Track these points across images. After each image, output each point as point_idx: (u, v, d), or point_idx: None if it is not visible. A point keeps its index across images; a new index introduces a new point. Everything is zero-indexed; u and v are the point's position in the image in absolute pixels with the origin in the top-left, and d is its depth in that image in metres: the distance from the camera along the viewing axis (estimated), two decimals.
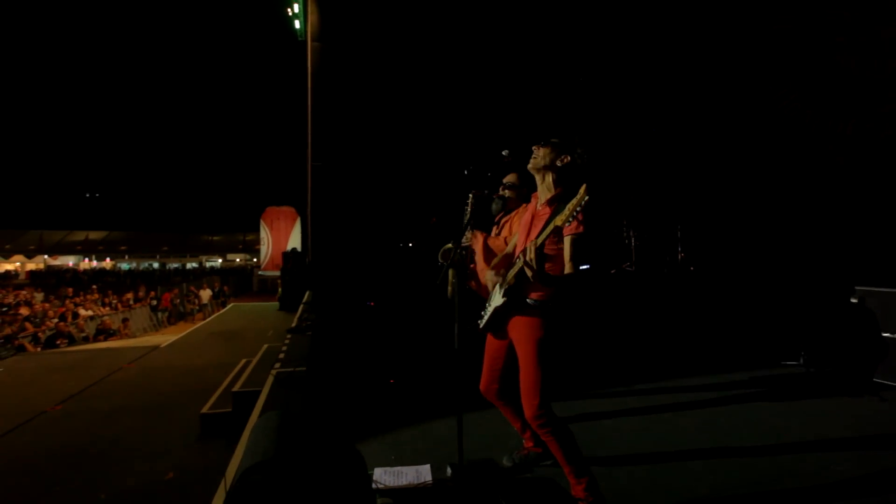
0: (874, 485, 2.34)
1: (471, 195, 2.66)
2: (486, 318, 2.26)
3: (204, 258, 49.19)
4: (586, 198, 1.73)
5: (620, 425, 3.05)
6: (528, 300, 2.09)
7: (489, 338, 2.34)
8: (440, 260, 2.85)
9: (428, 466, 2.42)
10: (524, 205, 2.88)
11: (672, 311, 5.85)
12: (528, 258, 1.93)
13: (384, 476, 2.35)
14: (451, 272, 2.59)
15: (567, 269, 2.00)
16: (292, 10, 11.70)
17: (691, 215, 6.40)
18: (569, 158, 2.11)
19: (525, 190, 2.84)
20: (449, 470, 2.31)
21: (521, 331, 2.12)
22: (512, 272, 2.11)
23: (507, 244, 2.63)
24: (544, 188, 2.16)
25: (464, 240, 2.70)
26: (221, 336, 7.86)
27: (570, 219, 1.77)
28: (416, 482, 2.28)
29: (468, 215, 2.63)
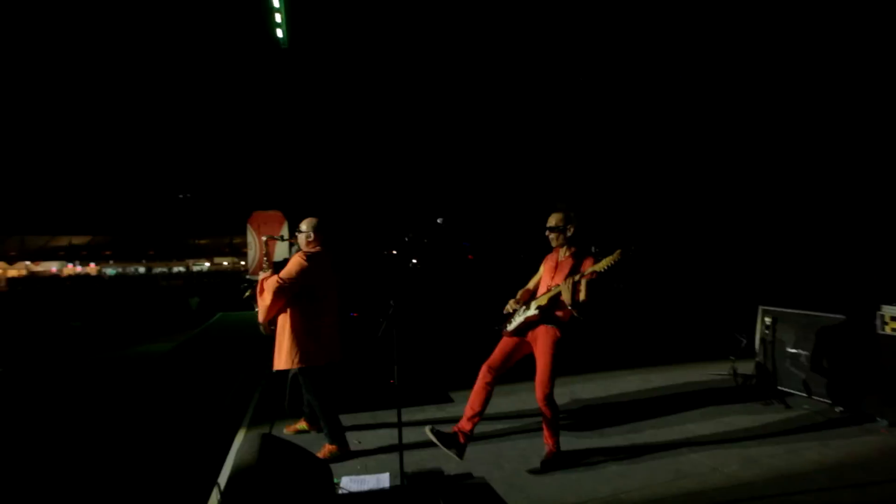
0: (754, 485, 2.87)
1: (265, 238, 3.51)
2: (514, 325, 3.13)
3: (191, 262, 48.92)
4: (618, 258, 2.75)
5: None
6: (555, 316, 3.00)
7: (505, 338, 3.20)
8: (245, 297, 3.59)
9: (387, 474, 2.91)
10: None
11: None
12: (565, 287, 2.87)
13: (350, 483, 2.83)
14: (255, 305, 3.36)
15: (582, 297, 2.90)
16: (275, 19, 12.04)
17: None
18: (573, 228, 3.11)
19: (311, 235, 3.40)
20: (400, 479, 2.80)
21: (544, 338, 3.01)
22: (546, 297, 2.99)
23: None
24: (566, 246, 3.15)
25: (260, 276, 3.39)
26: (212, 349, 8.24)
27: (606, 268, 2.78)
28: (375, 488, 2.76)
29: (266, 256, 3.46)
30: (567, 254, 3.13)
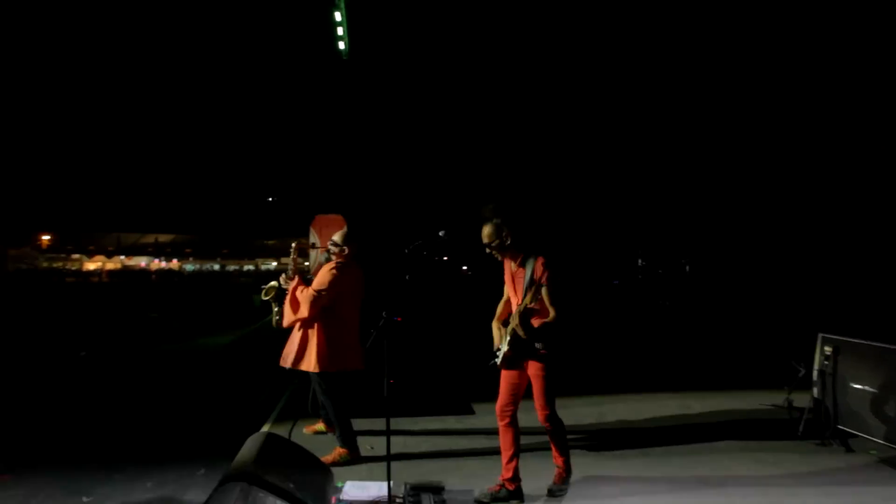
0: None
1: (294, 244, 3.46)
2: (500, 358, 2.81)
3: (260, 261, 52.25)
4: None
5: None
6: (535, 346, 2.69)
7: (504, 371, 2.86)
8: (263, 296, 3.61)
9: (391, 482, 2.91)
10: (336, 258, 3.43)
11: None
12: (515, 325, 2.64)
13: (352, 488, 2.86)
14: (274, 305, 3.49)
15: (552, 315, 2.66)
16: (337, 32, 12.60)
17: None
18: (509, 235, 2.74)
19: (345, 249, 3.38)
20: (402, 489, 2.79)
21: (531, 367, 2.74)
22: (510, 328, 2.70)
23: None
24: (512, 256, 2.82)
25: (282, 280, 3.41)
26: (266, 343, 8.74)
27: (535, 299, 2.55)
28: (376, 496, 2.78)
29: (291, 262, 3.41)
30: (516, 264, 2.82)
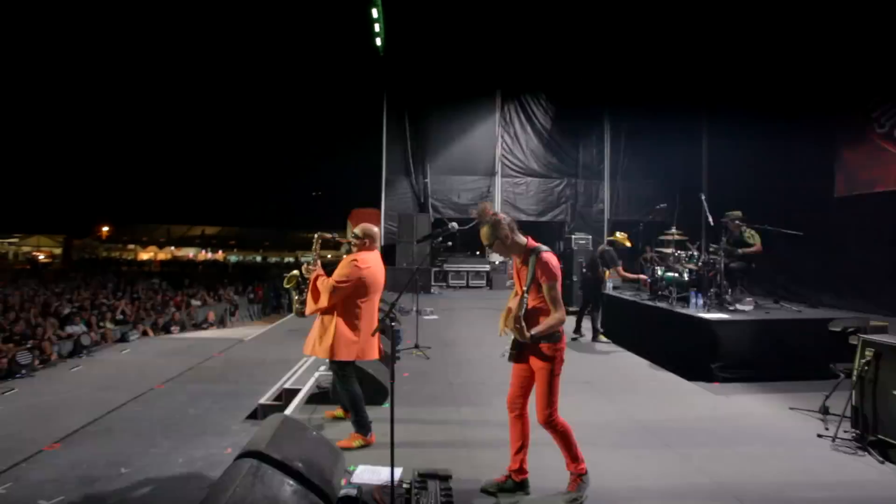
0: None
1: (317, 235, 3.49)
2: (508, 353, 2.78)
3: (299, 253, 53.86)
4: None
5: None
6: (540, 348, 2.66)
7: (514, 364, 2.83)
8: (286, 284, 3.66)
9: (401, 468, 2.98)
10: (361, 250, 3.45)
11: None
12: (511, 328, 2.61)
13: (364, 472, 2.95)
14: (294, 294, 3.55)
15: (552, 314, 2.61)
16: (374, 29, 12.76)
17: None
18: (509, 234, 2.69)
19: (366, 242, 3.42)
20: (411, 475, 2.85)
21: (535, 364, 2.72)
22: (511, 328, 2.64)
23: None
24: (515, 253, 2.79)
25: (304, 269, 3.46)
26: (296, 333, 9.05)
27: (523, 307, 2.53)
28: (385, 480, 2.85)
29: (315, 252, 3.44)
30: (520, 261, 2.76)
